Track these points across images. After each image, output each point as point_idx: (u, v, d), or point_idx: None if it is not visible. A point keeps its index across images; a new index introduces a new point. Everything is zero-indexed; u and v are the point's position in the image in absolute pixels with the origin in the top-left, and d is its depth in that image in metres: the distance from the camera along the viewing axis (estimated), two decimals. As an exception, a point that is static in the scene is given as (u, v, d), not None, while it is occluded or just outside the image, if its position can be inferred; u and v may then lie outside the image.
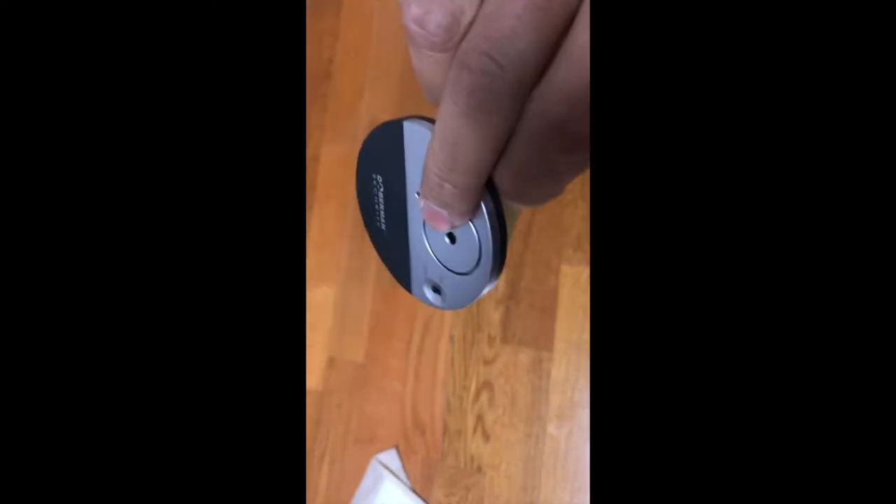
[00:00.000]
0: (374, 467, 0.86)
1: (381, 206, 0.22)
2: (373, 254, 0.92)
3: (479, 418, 0.81)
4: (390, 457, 0.86)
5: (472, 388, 0.83)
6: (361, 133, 0.97)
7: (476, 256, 0.19)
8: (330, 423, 0.91)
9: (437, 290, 0.22)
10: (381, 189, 0.21)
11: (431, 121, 0.18)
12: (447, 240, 0.20)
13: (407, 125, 0.19)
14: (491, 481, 0.79)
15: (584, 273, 0.78)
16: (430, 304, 0.22)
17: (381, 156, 0.21)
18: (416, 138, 0.19)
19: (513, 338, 0.81)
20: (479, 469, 0.80)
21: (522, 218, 0.83)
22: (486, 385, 0.82)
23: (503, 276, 0.83)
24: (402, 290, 0.90)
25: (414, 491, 0.83)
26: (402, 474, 0.85)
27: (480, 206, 0.17)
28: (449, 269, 0.21)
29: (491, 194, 0.17)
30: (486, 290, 0.20)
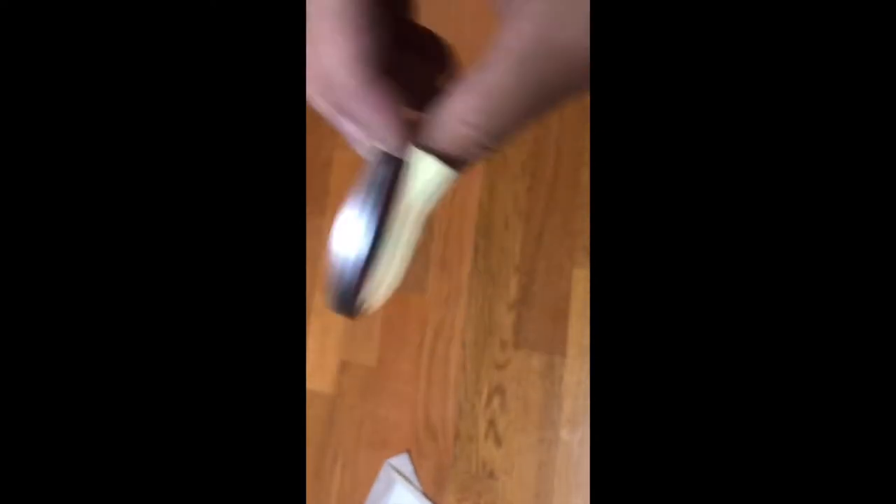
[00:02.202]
0: (386, 472, 0.86)
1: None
2: (385, 258, 0.93)
3: (492, 423, 0.81)
4: (402, 461, 0.86)
5: (485, 393, 0.82)
6: (373, 138, 0.98)
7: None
8: (342, 426, 0.91)
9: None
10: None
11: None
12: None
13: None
14: (503, 487, 0.79)
15: (597, 277, 0.77)
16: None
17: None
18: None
19: (525, 342, 0.80)
20: (492, 474, 0.80)
21: (534, 222, 0.83)
22: (499, 390, 0.81)
23: (515, 280, 0.82)
24: (414, 295, 0.90)
25: (426, 496, 0.83)
26: (413, 479, 0.85)
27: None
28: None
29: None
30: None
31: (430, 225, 0.90)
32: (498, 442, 0.80)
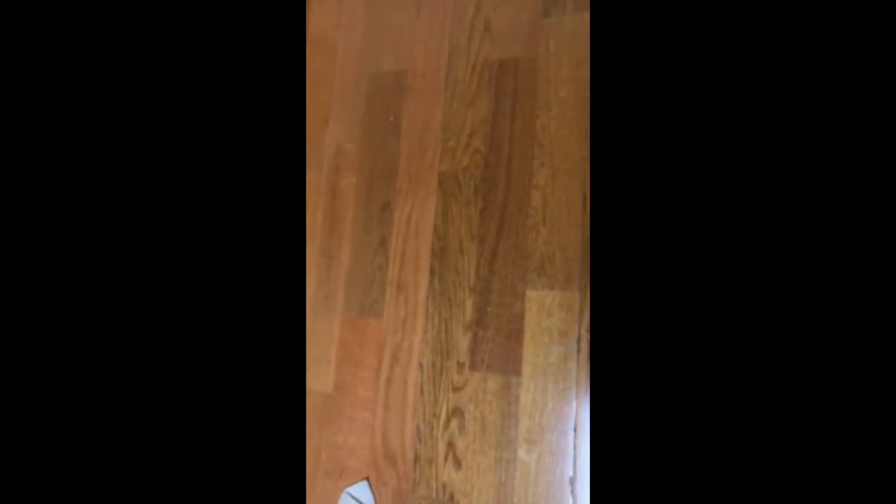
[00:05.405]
0: (345, 501, 0.84)
1: None
2: (340, 282, 0.92)
3: (451, 445, 0.81)
4: (361, 489, 0.85)
5: (443, 416, 0.82)
6: (327, 162, 0.98)
7: None
8: (299, 456, 0.89)
9: None
10: None
11: None
12: None
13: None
14: (463, 510, 0.79)
15: (549, 297, 0.79)
16: None
17: None
18: None
19: (481, 364, 0.81)
20: (452, 498, 0.80)
21: (487, 244, 0.84)
22: (457, 412, 0.82)
23: (471, 302, 0.83)
24: (370, 319, 0.89)
25: (386, 523, 0.82)
26: (373, 506, 0.83)
27: None
28: None
29: None
30: None
31: (386, 248, 0.90)
32: (457, 464, 0.80)
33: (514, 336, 0.80)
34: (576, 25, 0.85)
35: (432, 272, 0.87)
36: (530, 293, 0.80)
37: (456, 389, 0.82)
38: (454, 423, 0.81)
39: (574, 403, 0.76)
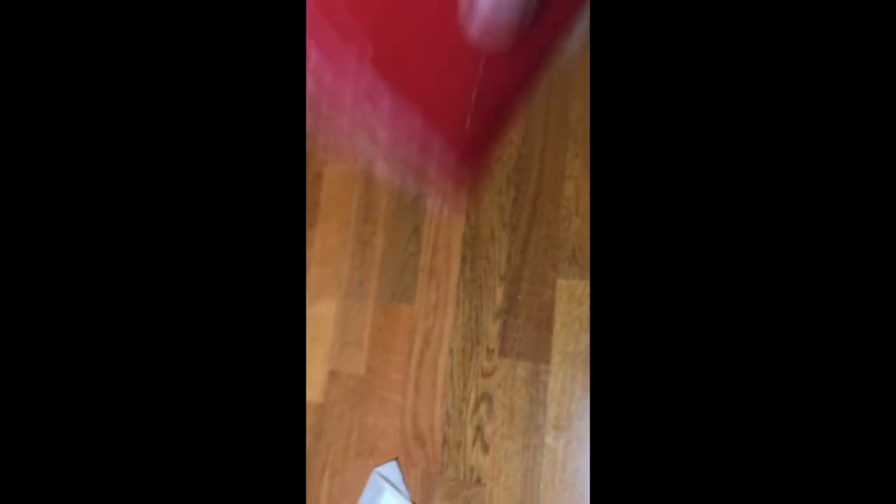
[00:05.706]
0: (374, 480, 0.87)
1: None
2: (373, 268, 0.95)
3: (479, 430, 0.83)
4: (390, 469, 0.87)
5: (472, 400, 0.84)
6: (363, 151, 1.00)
7: None
8: (331, 435, 0.92)
9: None
10: None
11: None
12: None
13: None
14: (490, 493, 0.80)
15: (580, 286, 0.80)
16: None
17: None
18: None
19: (511, 350, 0.82)
20: (479, 480, 0.81)
21: (519, 233, 0.85)
22: (485, 397, 0.83)
23: (501, 290, 0.85)
24: (402, 305, 0.91)
25: None
26: (402, 487, 0.86)
27: None
28: None
29: None
30: None
31: (419, 236, 0.92)
32: (485, 448, 0.82)
33: (543, 324, 0.81)
34: (613, 16, 0.85)
35: (464, 260, 0.88)
36: (561, 282, 0.81)
37: (485, 375, 0.84)
38: (483, 408, 0.83)
39: (602, 392, 0.76)
